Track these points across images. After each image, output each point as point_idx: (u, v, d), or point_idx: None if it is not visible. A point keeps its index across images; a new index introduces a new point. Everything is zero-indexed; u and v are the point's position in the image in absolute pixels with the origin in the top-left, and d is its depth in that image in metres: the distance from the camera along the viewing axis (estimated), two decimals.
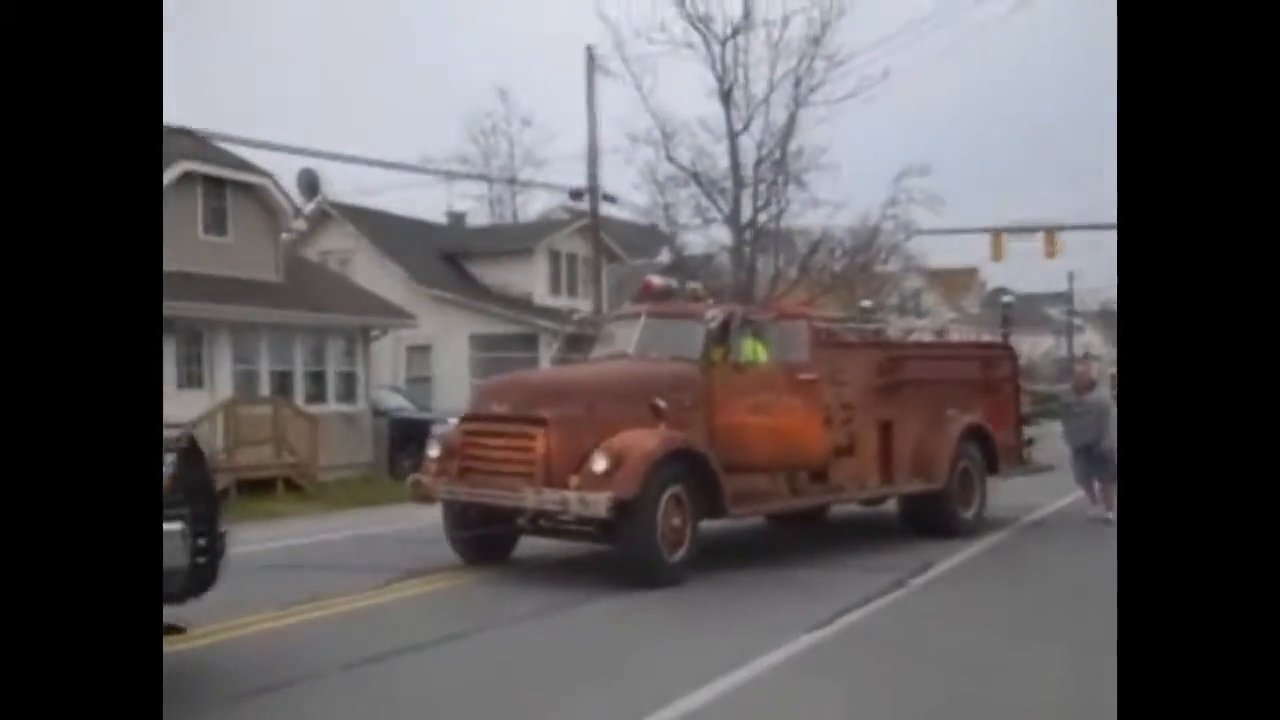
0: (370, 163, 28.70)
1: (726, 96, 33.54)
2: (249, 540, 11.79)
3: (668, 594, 11.03)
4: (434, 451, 12.38)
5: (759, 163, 33.92)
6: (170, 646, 7.34)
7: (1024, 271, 79.29)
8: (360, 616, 10.19)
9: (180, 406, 23.69)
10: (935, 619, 10.12)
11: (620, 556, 11.35)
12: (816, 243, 35.90)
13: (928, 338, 19.11)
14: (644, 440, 11.23)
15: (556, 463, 11.19)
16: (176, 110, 26.37)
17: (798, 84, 33.38)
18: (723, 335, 12.48)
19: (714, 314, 12.77)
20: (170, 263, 24.06)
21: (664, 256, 36.37)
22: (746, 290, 31.73)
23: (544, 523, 11.92)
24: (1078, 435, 15.96)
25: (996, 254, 40.25)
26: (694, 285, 14.76)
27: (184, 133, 24.40)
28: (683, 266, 32.54)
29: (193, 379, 24.44)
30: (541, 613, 10.19)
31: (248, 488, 22.09)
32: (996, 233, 40.14)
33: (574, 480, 11.02)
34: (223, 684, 7.86)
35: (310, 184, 27.62)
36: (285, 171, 26.97)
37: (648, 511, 11.00)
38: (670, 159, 33.49)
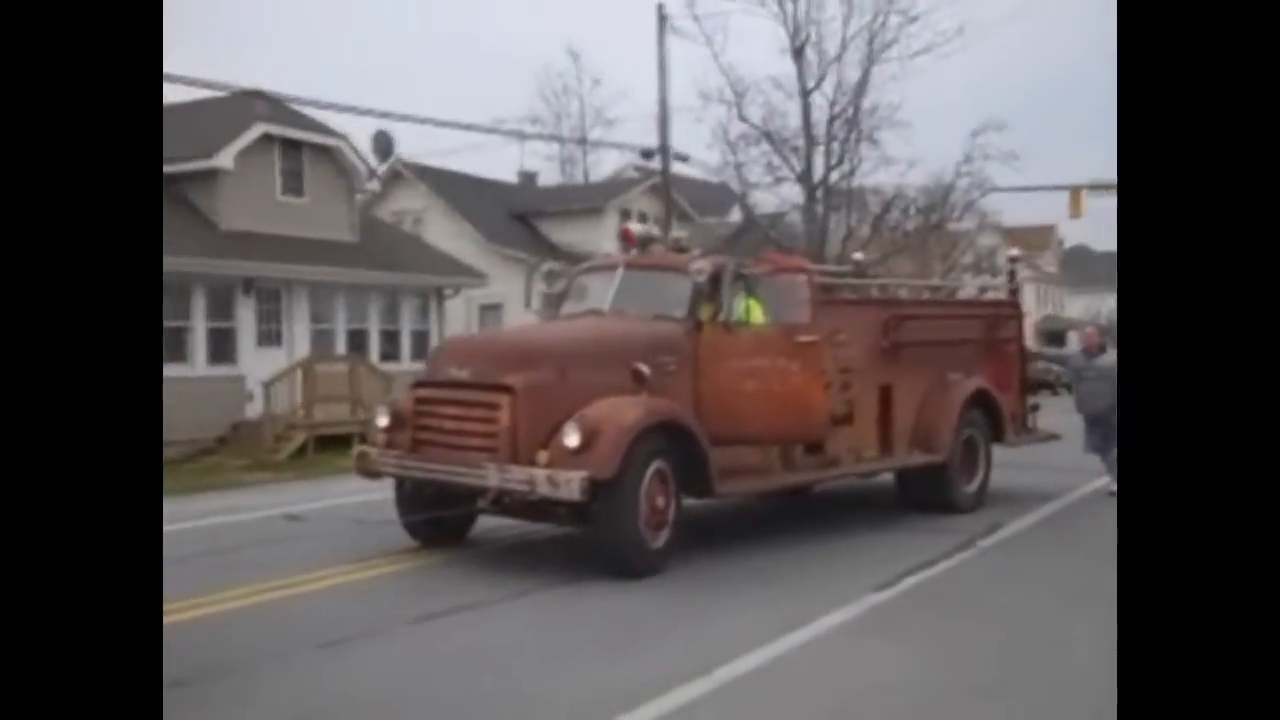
0: (443, 124, 27.40)
1: (799, 53, 31.58)
2: (328, 495, 11.11)
3: (734, 557, 9.99)
4: (382, 420, 10.26)
5: (831, 120, 31.96)
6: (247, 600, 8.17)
7: (1103, 228, 75.18)
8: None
9: (258, 364, 22.91)
10: (1000, 580, 9.42)
11: (596, 542, 9.38)
12: (889, 201, 33.67)
13: (930, 295, 16.54)
14: (623, 410, 9.20)
15: (524, 436, 9.14)
16: (253, 74, 25.26)
17: (871, 40, 31.57)
18: (712, 291, 10.29)
19: (701, 266, 10.44)
20: (249, 224, 23.50)
21: (735, 215, 34.53)
22: (818, 249, 29.89)
23: (508, 502, 9.66)
24: (1089, 402, 13.64)
25: (1074, 210, 37.26)
26: (679, 234, 12.38)
27: (260, 96, 23.55)
28: (754, 225, 30.75)
29: (271, 337, 23.77)
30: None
31: (324, 443, 21.23)
32: (1075, 189, 37.11)
33: (543, 456, 9.04)
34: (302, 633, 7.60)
35: (384, 146, 26.44)
36: (360, 134, 26.03)
37: (627, 492, 9.08)
38: (742, 117, 31.60)
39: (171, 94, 26.04)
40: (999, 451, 13.78)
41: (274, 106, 24.07)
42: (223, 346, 22.87)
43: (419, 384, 10.28)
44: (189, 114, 24.77)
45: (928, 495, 12.40)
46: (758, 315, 10.53)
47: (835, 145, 31.94)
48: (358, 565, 9.82)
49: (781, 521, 12.05)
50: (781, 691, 6.47)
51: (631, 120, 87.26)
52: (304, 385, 21.94)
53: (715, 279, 10.37)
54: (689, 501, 10.03)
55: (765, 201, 33.47)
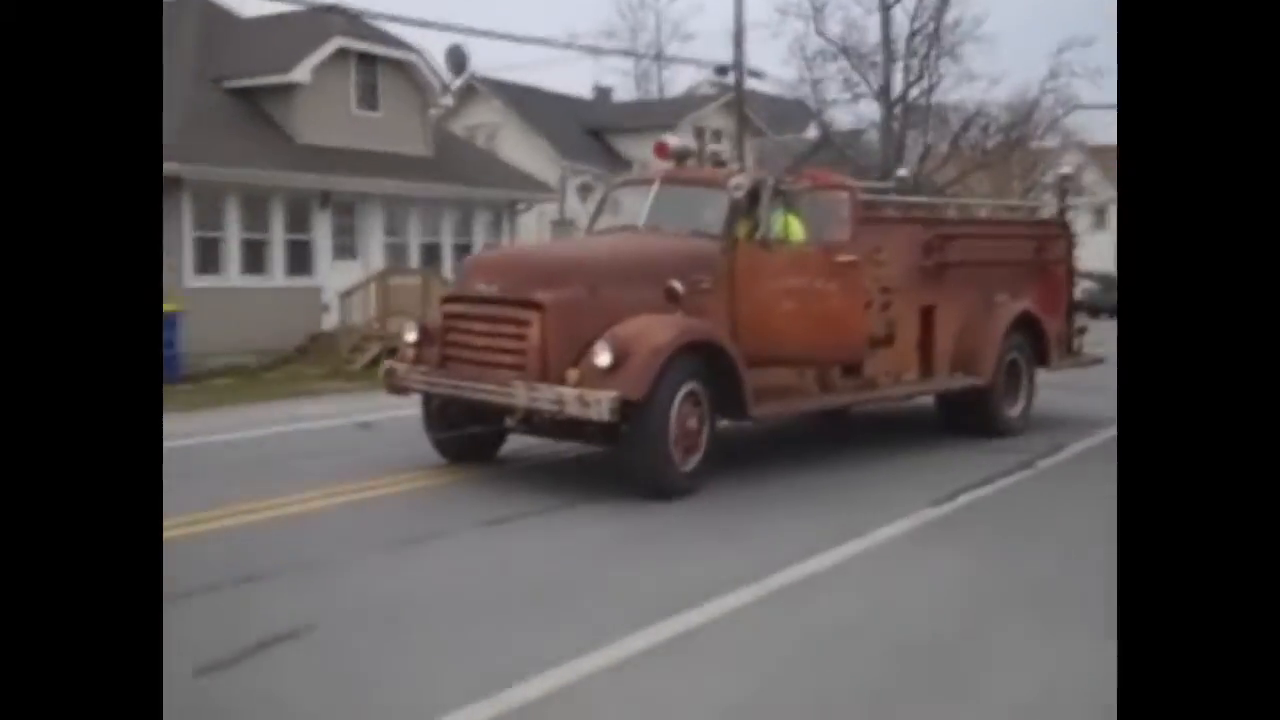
0: (518, 39, 26.97)
1: None
2: (398, 405, 10.91)
3: (784, 477, 9.82)
4: (410, 335, 9.88)
5: (912, 35, 30.98)
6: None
7: None
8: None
9: (335, 276, 22.86)
10: (1058, 499, 9.19)
11: (626, 463, 9.00)
12: (970, 118, 32.50)
13: (979, 214, 15.59)
14: (656, 330, 8.75)
15: (553, 354, 8.73)
16: None
17: None
18: (750, 207, 9.71)
19: (739, 181, 9.86)
20: (324, 138, 23.21)
21: (811, 132, 33.59)
22: (893, 167, 29.05)
23: (537, 420, 9.28)
24: None
25: None
26: (716, 148, 11.75)
27: (336, 10, 23.21)
28: (830, 142, 29.90)
29: (346, 250, 23.69)
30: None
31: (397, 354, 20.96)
32: None
33: (572, 375, 8.62)
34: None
35: (458, 60, 25.86)
36: (434, 48, 25.57)
37: (658, 414, 8.64)
38: (820, 33, 30.77)
39: (249, 7, 25.99)
40: (1067, 373, 13.32)
41: (349, 21, 23.68)
42: (300, 258, 22.82)
43: (447, 299, 9.90)
44: (265, 28, 24.62)
45: (969, 419, 11.83)
46: (797, 232, 9.97)
47: (915, 61, 30.96)
48: (422, 472, 9.81)
49: (829, 443, 11.62)
50: (832, 597, 6.52)
51: (708, 35, 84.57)
52: (378, 298, 21.79)
53: (753, 195, 9.82)
54: (732, 424, 9.66)
55: (842, 118, 32.65)
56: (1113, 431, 12.05)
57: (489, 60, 38.94)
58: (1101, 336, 14.32)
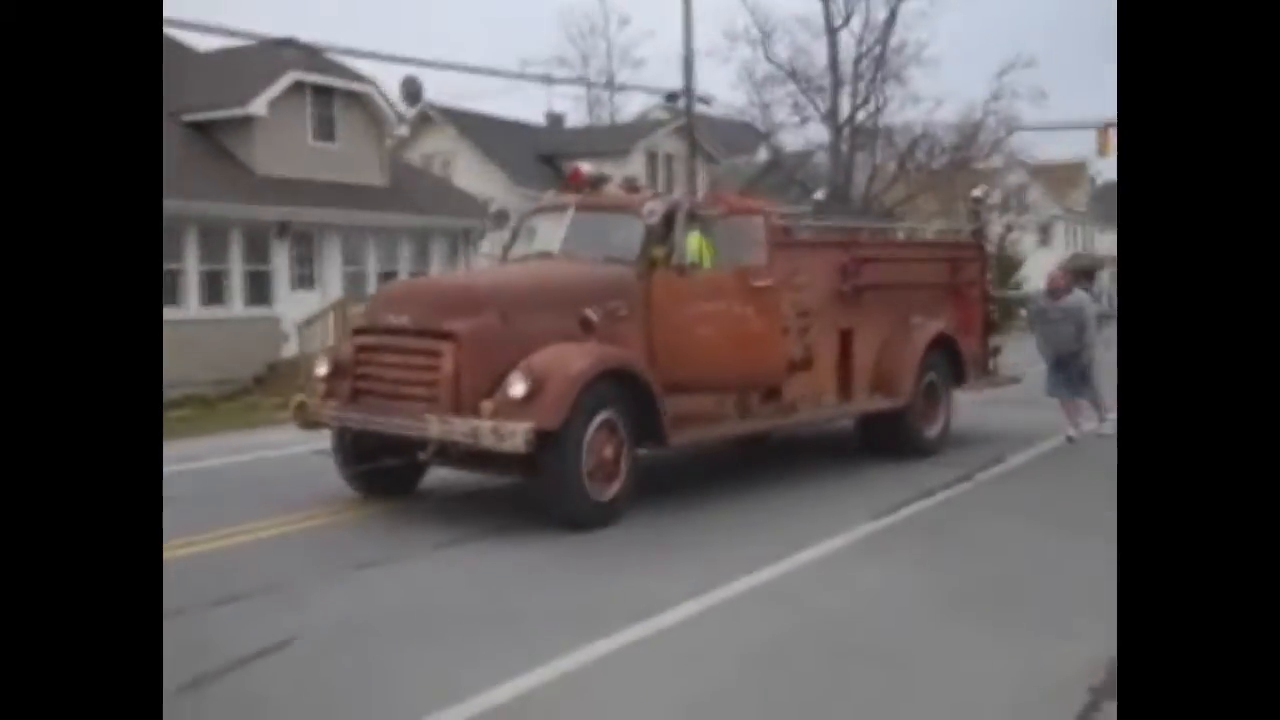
0: (470, 69, 26.56)
1: None
2: None
3: (739, 487, 9.90)
4: (321, 369, 9.35)
5: (858, 59, 30.69)
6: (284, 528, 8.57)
7: None
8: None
9: (293, 306, 22.42)
10: (997, 511, 9.16)
11: (539, 493, 8.61)
12: (916, 139, 32.23)
13: (895, 236, 15.18)
14: (571, 358, 8.36)
15: (467, 385, 8.28)
16: (281, 23, 24.41)
17: None
18: (664, 232, 9.32)
19: (653, 207, 9.46)
20: (282, 169, 22.74)
21: (761, 155, 33.26)
22: (843, 189, 28.77)
23: (452, 453, 8.74)
24: (1053, 344, 12.51)
25: (1104, 148, 35.55)
26: (630, 175, 11.30)
27: (291, 44, 23.00)
28: (780, 165, 29.58)
29: (305, 280, 23.27)
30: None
31: None
32: (1104, 127, 35.42)
33: (487, 406, 8.18)
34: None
35: (413, 91, 25.54)
36: (389, 79, 25.16)
37: (571, 444, 8.25)
38: (768, 57, 30.53)
39: (205, 43, 25.60)
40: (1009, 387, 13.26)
41: (305, 54, 23.41)
42: (259, 289, 22.38)
43: (357, 330, 9.41)
44: (222, 63, 24.24)
45: (888, 440, 11.46)
46: (707, 255, 9.59)
47: (862, 84, 30.70)
48: (380, 499, 9.62)
49: (762, 467, 11.25)
50: (779, 607, 6.59)
51: (658, 61, 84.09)
52: (337, 326, 21.29)
53: (667, 220, 9.43)
54: (664, 453, 9.46)
55: (791, 141, 32.32)
56: (1048, 446, 12.13)
57: (442, 89, 38.51)
58: (1018, 358, 14.13)
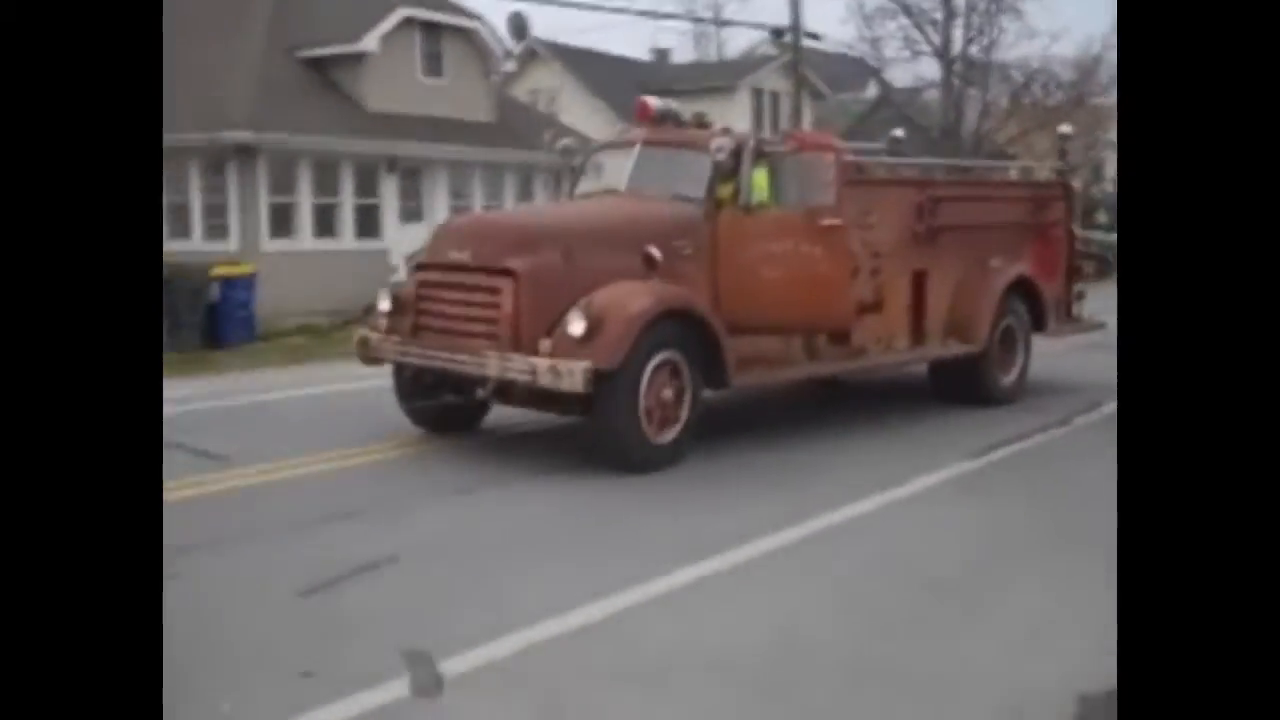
0: (577, 5, 25.75)
1: None
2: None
3: (828, 428, 9.77)
4: (384, 304, 9.07)
5: None
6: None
7: None
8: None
9: (402, 239, 22.34)
10: (1091, 455, 8.56)
11: (594, 434, 8.24)
12: (1031, 74, 30.68)
13: (976, 175, 14.08)
14: (632, 297, 7.96)
15: (526, 323, 7.96)
16: None
17: None
18: (732, 170, 8.81)
19: (721, 143, 8.90)
20: (392, 105, 22.65)
21: (870, 91, 32.05)
22: (954, 126, 27.59)
23: (511, 390, 8.47)
24: None
25: None
26: (699, 111, 10.37)
27: None
28: (889, 101, 28.48)
29: (412, 214, 23.10)
30: None
31: None
32: None
33: (545, 344, 7.86)
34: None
35: (520, 26, 25.08)
36: (496, 15, 24.79)
37: (628, 384, 7.88)
38: None
39: None
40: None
41: None
42: (369, 222, 22.31)
43: (420, 266, 9.08)
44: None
45: (961, 387, 10.81)
46: (763, 190, 8.94)
47: (975, 17, 29.22)
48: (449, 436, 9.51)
49: (851, 408, 10.88)
50: (868, 539, 6.65)
51: None
52: None
53: (735, 157, 8.90)
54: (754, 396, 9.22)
55: (901, 77, 31.03)
56: None
57: (549, 25, 37.31)
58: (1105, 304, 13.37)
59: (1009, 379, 11.08)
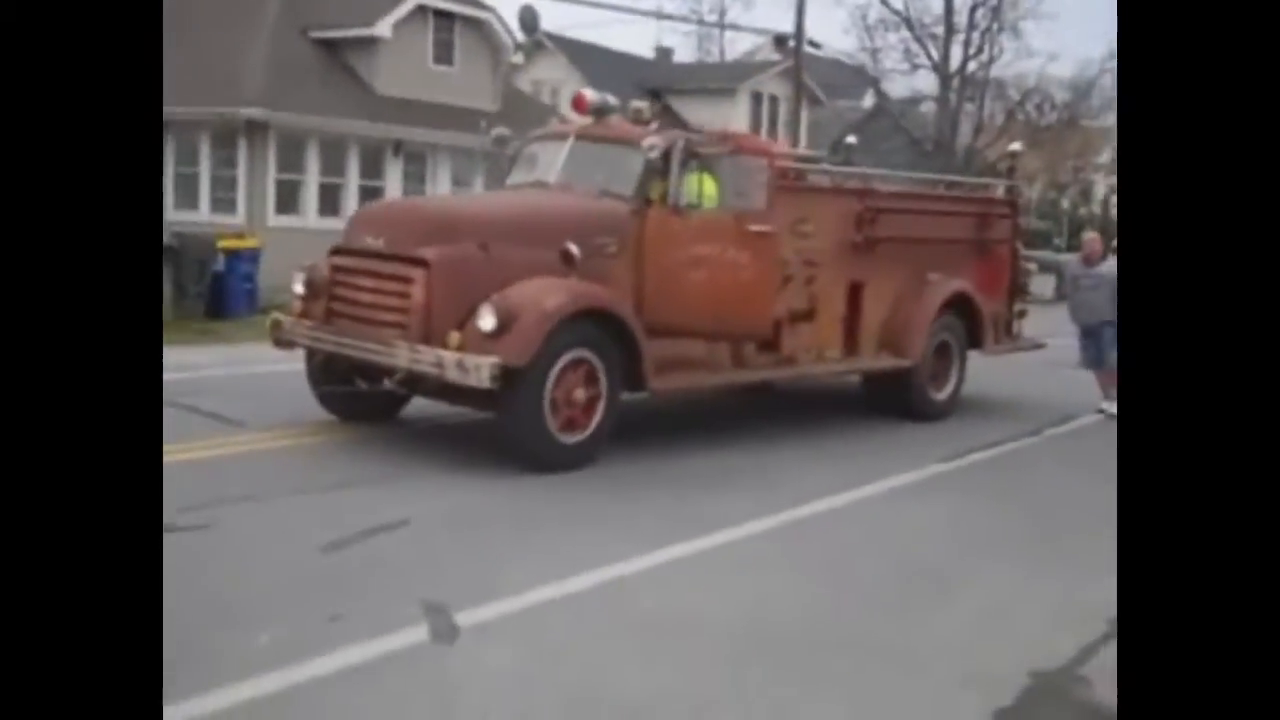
0: (585, 1, 24.86)
1: None
2: None
3: (803, 431, 9.41)
4: (299, 288, 8.29)
5: (974, 8, 28.24)
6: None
7: None
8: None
9: None
10: (1059, 463, 8.85)
11: (501, 430, 7.53)
12: (1027, 92, 29.55)
13: (920, 188, 13.06)
14: (546, 294, 7.27)
15: (437, 314, 7.26)
16: None
17: None
18: (665, 168, 8.04)
19: (654, 141, 8.09)
20: (401, 90, 21.88)
21: (867, 100, 31.01)
22: (948, 139, 26.56)
23: (421, 382, 7.70)
24: (1086, 312, 10.59)
25: None
26: (638, 104, 9.55)
27: None
28: (885, 111, 27.49)
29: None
30: None
31: None
32: None
33: (455, 337, 7.17)
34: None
35: (530, 20, 24.19)
36: (507, 8, 23.94)
37: (534, 383, 7.19)
38: (883, 2, 28.12)
39: None
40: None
41: None
42: None
43: (334, 251, 8.29)
44: None
45: (893, 400, 9.97)
46: (710, 194, 8.22)
47: (976, 34, 28.20)
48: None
49: (830, 412, 10.33)
50: (844, 528, 6.70)
51: (769, 2, 79.08)
52: None
53: (667, 155, 8.10)
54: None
55: (899, 89, 30.01)
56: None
57: (557, 20, 36.28)
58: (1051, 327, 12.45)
59: (942, 394, 10.24)
